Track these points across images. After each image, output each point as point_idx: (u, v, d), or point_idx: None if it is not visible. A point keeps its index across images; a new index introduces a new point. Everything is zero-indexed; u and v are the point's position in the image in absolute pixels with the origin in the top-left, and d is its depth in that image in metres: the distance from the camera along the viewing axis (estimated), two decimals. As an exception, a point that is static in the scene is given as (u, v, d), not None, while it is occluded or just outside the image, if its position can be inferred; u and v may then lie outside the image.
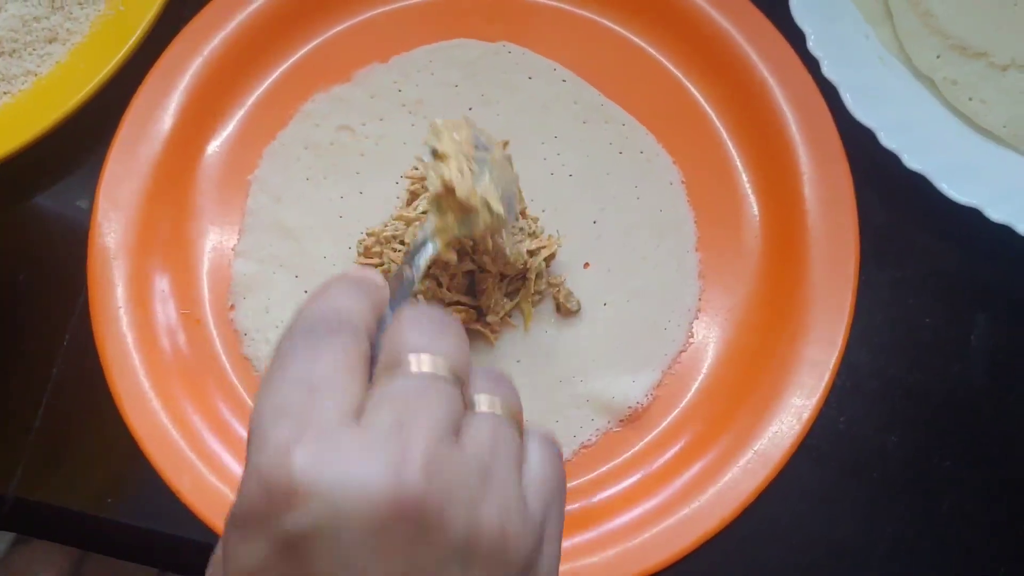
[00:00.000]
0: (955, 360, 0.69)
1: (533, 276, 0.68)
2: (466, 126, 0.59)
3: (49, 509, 0.68)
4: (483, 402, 0.41)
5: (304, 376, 0.38)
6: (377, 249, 0.69)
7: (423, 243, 0.56)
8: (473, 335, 0.68)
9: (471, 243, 0.65)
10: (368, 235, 0.70)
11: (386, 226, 0.70)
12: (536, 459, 0.42)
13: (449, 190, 0.56)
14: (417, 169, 0.71)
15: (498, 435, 0.40)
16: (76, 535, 0.70)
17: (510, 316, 0.69)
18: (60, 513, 0.68)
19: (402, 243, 0.68)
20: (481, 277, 0.67)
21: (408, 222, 0.69)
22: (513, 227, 0.67)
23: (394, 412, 0.37)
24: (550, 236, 0.69)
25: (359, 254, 0.70)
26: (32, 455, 0.69)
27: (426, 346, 0.40)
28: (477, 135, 0.60)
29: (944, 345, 0.69)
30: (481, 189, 0.57)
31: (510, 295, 0.68)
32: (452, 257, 0.59)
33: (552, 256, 0.69)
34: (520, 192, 0.69)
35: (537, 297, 0.69)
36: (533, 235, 0.69)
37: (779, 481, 0.64)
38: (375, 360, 0.41)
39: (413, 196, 0.70)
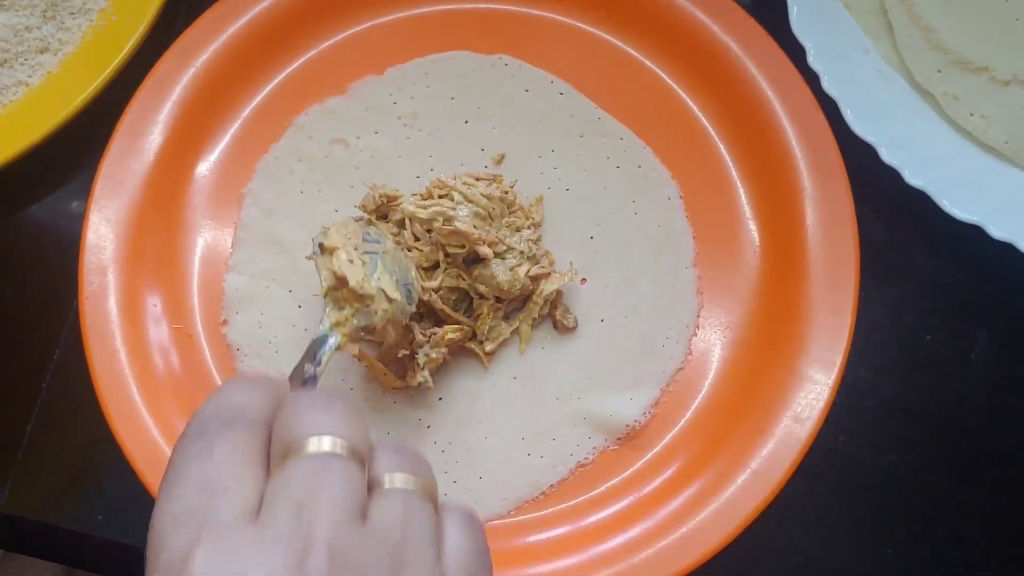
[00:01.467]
0: (955, 379, 0.68)
1: (540, 302, 0.67)
2: (353, 223, 0.61)
3: (37, 526, 0.67)
4: (391, 479, 0.39)
5: (199, 477, 0.37)
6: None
7: (323, 338, 0.56)
8: (466, 353, 0.68)
9: (464, 272, 0.66)
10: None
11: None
12: (455, 536, 0.40)
13: (342, 281, 0.57)
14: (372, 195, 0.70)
15: (410, 513, 0.38)
16: (64, 552, 0.69)
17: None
18: (48, 530, 0.67)
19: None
20: (478, 302, 0.66)
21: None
22: (511, 251, 0.66)
23: (292, 500, 0.36)
24: (567, 269, 0.68)
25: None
26: (20, 471, 0.68)
27: (319, 426, 0.38)
28: (366, 231, 0.61)
29: (944, 363, 0.69)
30: (375, 278, 0.57)
31: (508, 316, 0.68)
32: (354, 349, 0.60)
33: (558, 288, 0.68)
34: (523, 208, 0.69)
35: (538, 319, 0.68)
36: (533, 259, 0.68)
37: (775, 501, 0.63)
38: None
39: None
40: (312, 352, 0.54)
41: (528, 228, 0.68)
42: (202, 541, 0.35)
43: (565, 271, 0.68)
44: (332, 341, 0.56)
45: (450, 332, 0.65)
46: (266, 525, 0.36)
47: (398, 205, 0.67)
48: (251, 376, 0.43)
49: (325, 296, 0.58)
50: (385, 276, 0.58)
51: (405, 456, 0.41)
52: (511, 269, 0.65)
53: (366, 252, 0.59)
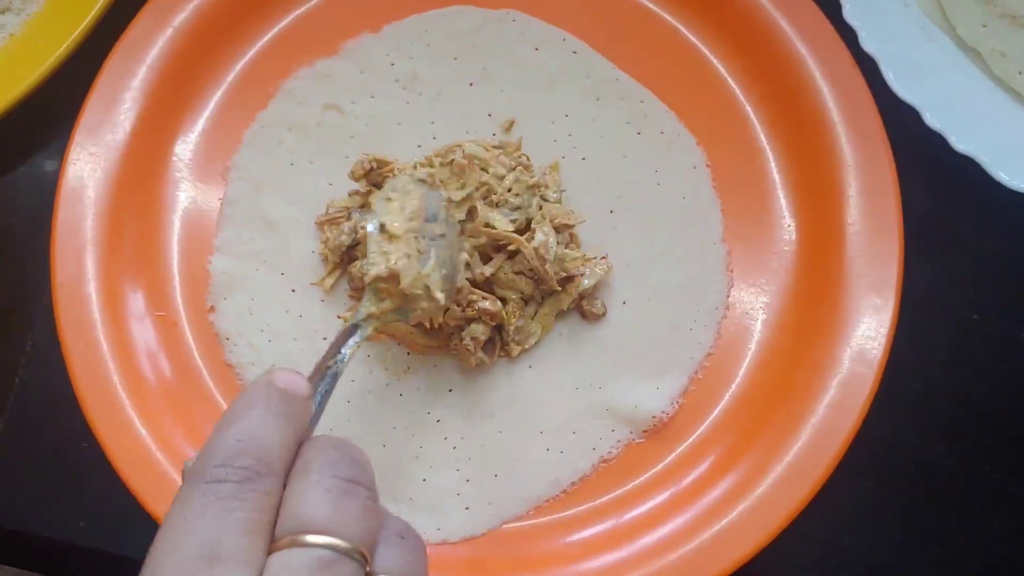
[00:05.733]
0: (1005, 360, 0.65)
1: (573, 294, 0.63)
2: (417, 193, 0.56)
3: (12, 534, 0.64)
4: None
5: (207, 538, 0.37)
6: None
7: (353, 328, 0.53)
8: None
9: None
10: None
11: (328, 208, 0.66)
12: None
13: (393, 277, 0.53)
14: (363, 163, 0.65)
15: None
16: (43, 562, 0.66)
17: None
18: (25, 538, 0.64)
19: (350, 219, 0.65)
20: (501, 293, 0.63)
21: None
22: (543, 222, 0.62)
23: None
24: (600, 258, 0.64)
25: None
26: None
27: (328, 519, 0.38)
28: (429, 200, 0.57)
29: (993, 343, 0.66)
30: (426, 274, 0.54)
31: (528, 303, 0.64)
32: (382, 338, 0.60)
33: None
34: (567, 213, 0.65)
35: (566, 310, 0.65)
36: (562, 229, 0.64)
37: (816, 499, 0.59)
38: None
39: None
40: (338, 345, 0.50)
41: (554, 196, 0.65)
42: None
43: (593, 257, 0.64)
44: (362, 332, 0.53)
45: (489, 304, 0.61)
46: None
47: (390, 172, 0.64)
48: (281, 396, 0.41)
49: (369, 285, 0.54)
50: (435, 273, 0.54)
51: (409, 552, 0.41)
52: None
53: (425, 237, 0.55)
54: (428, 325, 0.61)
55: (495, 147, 0.65)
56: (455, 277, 0.58)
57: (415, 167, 0.63)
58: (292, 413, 0.41)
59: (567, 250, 0.63)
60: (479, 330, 0.61)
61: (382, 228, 0.54)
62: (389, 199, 0.55)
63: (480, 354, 0.61)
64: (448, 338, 0.62)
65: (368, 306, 0.54)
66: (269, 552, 0.37)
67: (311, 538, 0.37)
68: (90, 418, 0.60)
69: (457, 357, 0.63)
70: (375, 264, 0.53)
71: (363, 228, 0.61)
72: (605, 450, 0.62)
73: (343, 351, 0.50)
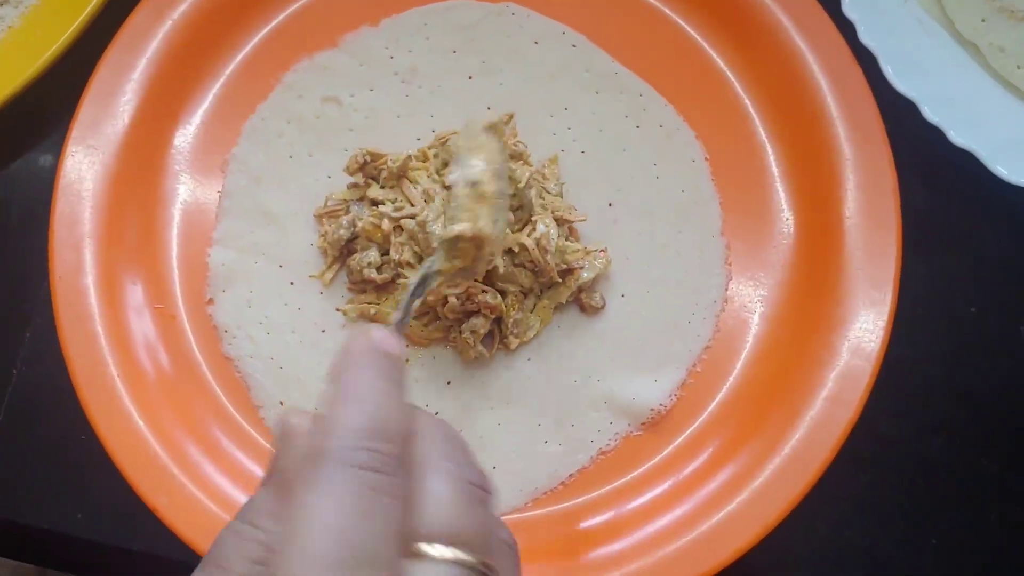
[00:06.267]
0: (1003, 354, 0.65)
1: (572, 287, 0.63)
2: (495, 147, 0.54)
3: (10, 525, 0.63)
4: None
5: (358, 540, 0.32)
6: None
7: (425, 281, 0.51)
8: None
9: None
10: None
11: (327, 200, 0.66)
12: None
13: (477, 240, 0.51)
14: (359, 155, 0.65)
15: None
16: (41, 553, 0.65)
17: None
18: (23, 530, 0.63)
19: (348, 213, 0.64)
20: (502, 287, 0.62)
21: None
22: (544, 212, 0.62)
23: None
24: (599, 251, 0.64)
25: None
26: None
27: (462, 529, 0.35)
28: (500, 149, 0.54)
29: (991, 337, 0.66)
30: (500, 239, 0.53)
31: (527, 295, 0.63)
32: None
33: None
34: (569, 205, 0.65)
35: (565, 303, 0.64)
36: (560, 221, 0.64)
37: (813, 492, 0.58)
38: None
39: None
40: (409, 304, 0.48)
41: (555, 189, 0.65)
42: None
43: (593, 249, 0.63)
44: (427, 288, 0.51)
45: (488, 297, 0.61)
46: None
47: (383, 165, 0.63)
48: (384, 364, 0.37)
49: (449, 240, 0.51)
50: (501, 237, 0.53)
51: (515, 560, 0.39)
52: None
53: (502, 197, 0.53)
54: (437, 312, 0.61)
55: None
56: (504, 240, 0.57)
57: (410, 158, 0.63)
58: (400, 381, 0.38)
59: (567, 242, 0.63)
60: (479, 323, 0.61)
61: (473, 185, 0.51)
62: (472, 149, 0.53)
63: (479, 347, 0.61)
64: (447, 330, 0.62)
65: (440, 262, 0.51)
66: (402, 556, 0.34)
67: (446, 551, 0.34)
68: (88, 410, 0.60)
69: (456, 349, 0.63)
70: (461, 223, 0.51)
71: (444, 181, 0.59)
72: (603, 442, 0.62)
73: (408, 306, 0.47)
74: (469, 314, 0.61)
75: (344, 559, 0.31)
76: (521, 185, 0.60)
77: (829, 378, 0.60)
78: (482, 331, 0.61)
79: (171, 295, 0.65)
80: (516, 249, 0.60)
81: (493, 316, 0.61)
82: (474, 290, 0.60)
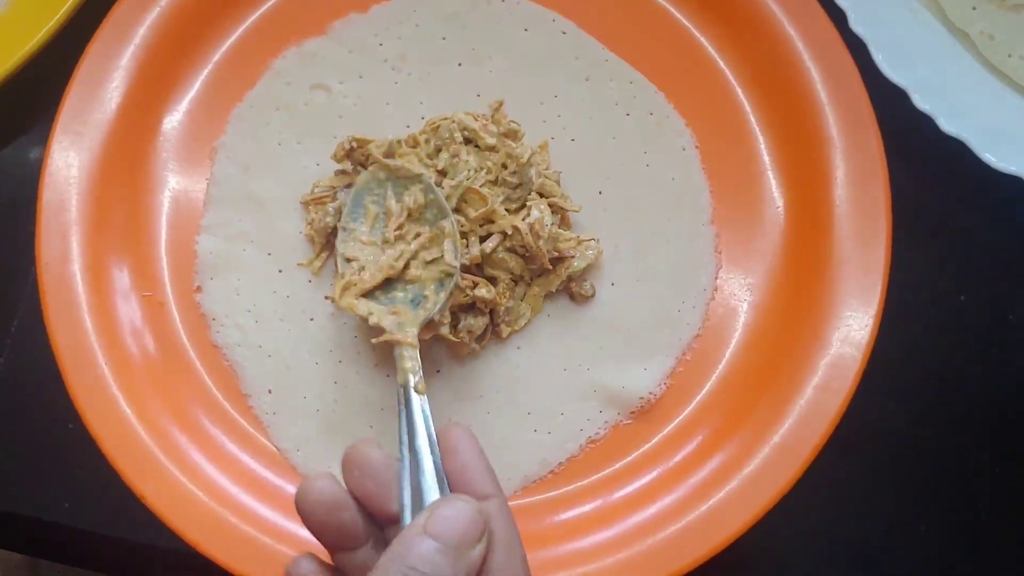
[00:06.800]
0: (994, 342, 0.65)
1: (563, 275, 0.62)
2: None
3: (0, 516, 0.63)
4: None
5: None
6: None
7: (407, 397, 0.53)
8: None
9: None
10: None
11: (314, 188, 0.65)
12: None
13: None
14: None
15: None
16: (28, 542, 0.65)
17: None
18: (10, 519, 0.63)
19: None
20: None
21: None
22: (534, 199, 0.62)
23: None
24: (592, 240, 0.64)
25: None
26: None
27: None
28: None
29: (981, 326, 0.66)
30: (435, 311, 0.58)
31: (517, 283, 0.63)
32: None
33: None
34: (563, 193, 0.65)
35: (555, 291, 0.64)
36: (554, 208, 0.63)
37: (803, 480, 0.59)
38: None
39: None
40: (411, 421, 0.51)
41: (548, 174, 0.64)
42: None
43: (585, 239, 0.63)
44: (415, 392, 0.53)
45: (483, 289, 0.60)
46: None
47: (370, 151, 0.63)
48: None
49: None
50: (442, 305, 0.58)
51: None
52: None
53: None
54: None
55: (483, 116, 0.64)
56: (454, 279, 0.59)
57: (398, 143, 0.62)
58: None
59: (560, 231, 0.62)
60: (476, 323, 0.61)
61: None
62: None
63: (474, 345, 0.61)
64: (436, 326, 0.62)
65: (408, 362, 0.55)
66: None
67: None
68: (75, 398, 0.59)
69: (450, 348, 0.63)
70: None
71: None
72: (593, 431, 0.62)
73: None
74: (461, 308, 0.61)
75: None
76: (523, 161, 0.61)
77: (819, 366, 0.60)
78: (478, 330, 0.61)
79: (159, 283, 0.65)
80: (509, 231, 0.60)
81: (488, 309, 0.61)
82: (465, 283, 0.60)
